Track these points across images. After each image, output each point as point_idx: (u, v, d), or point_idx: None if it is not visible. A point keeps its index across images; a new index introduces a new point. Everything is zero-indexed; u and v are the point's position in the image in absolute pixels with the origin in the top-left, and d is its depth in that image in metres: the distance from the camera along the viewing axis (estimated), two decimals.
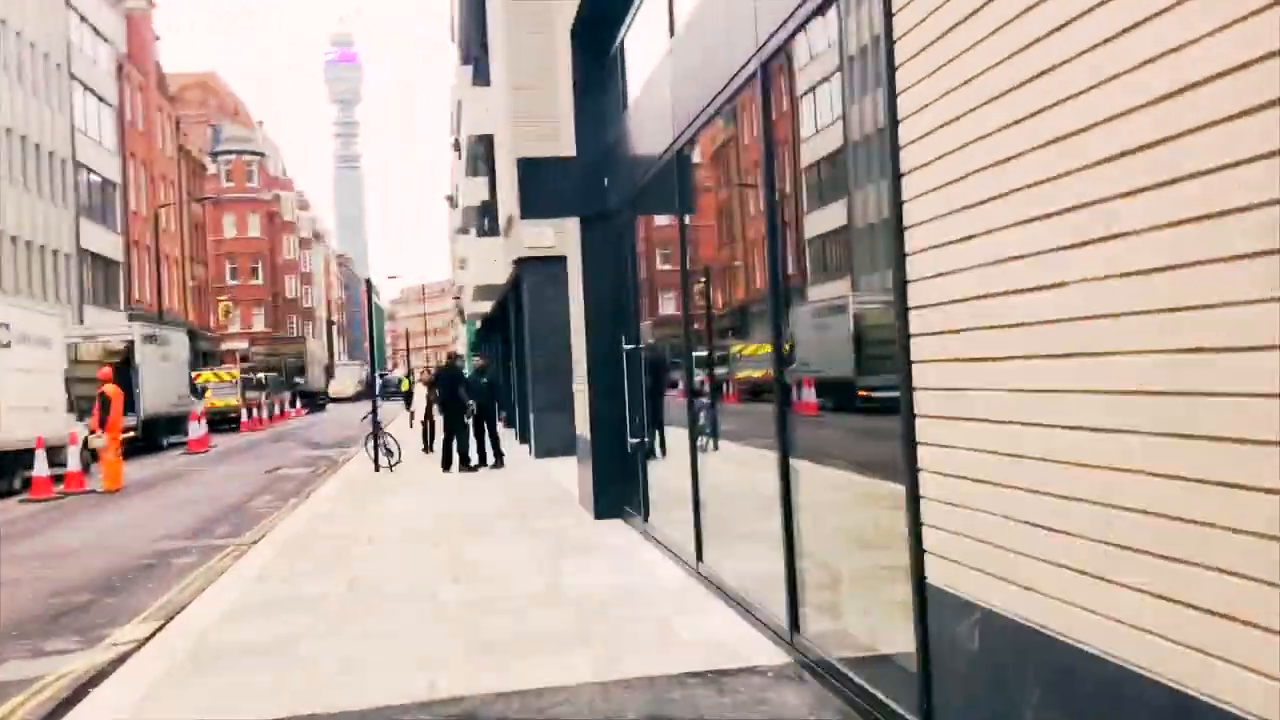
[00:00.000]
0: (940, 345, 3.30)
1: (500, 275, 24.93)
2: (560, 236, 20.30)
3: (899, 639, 4.88)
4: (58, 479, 18.26)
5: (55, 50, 39.01)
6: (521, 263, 20.14)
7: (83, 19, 42.20)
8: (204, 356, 58.85)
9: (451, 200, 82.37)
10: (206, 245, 65.20)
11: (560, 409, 19.42)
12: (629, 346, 10.39)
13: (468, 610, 7.06)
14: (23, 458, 18.28)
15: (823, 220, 5.46)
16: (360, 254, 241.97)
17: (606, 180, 11.07)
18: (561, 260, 20.76)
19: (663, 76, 8.24)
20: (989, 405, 3.03)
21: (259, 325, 76.30)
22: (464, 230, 45.41)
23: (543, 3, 16.28)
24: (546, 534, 10.36)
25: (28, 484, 17.96)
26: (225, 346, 66.46)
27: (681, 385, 8.68)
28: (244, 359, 55.17)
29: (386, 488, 15.88)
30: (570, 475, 13.83)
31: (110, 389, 18.38)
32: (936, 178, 3.29)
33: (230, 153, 77.54)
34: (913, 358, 3.49)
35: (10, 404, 18.42)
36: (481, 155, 27.34)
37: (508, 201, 21.16)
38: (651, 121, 8.78)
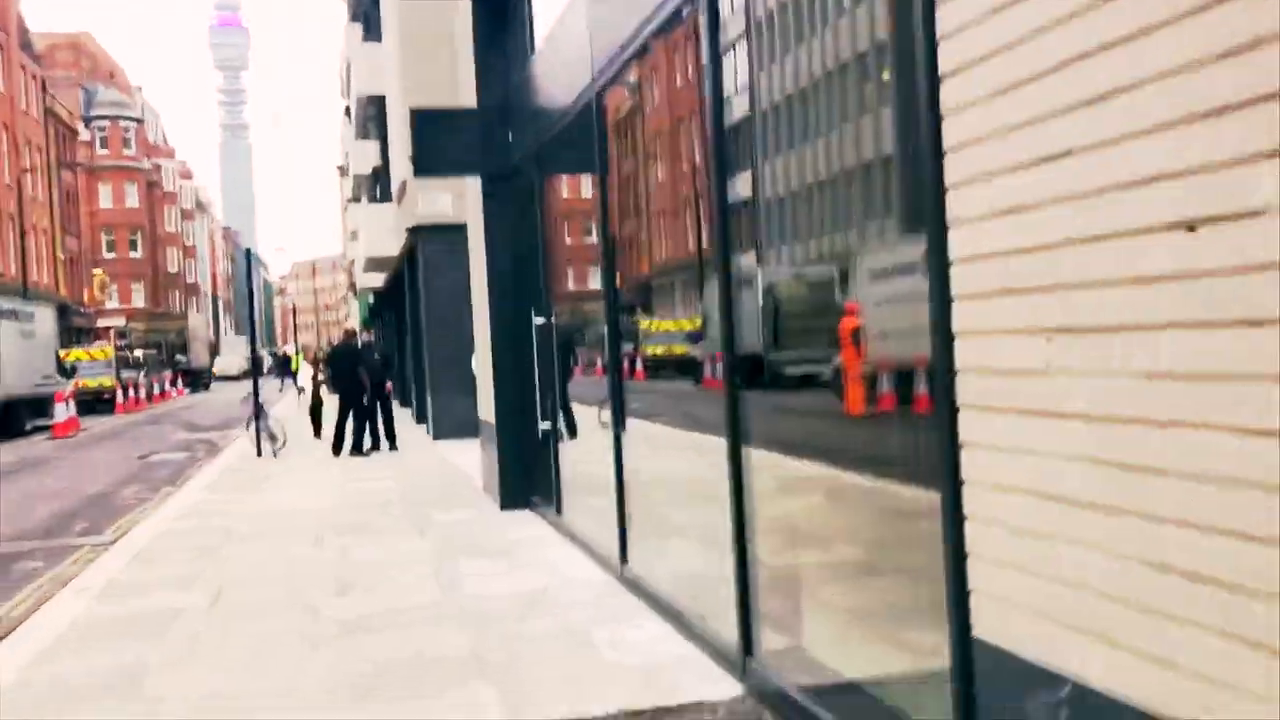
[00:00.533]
0: (1002, 312, 2.38)
1: (393, 246, 23.54)
2: (460, 204, 19.06)
3: (888, 661, 4.03)
4: None
5: None
6: (417, 232, 18.86)
7: None
8: (77, 334, 55.55)
9: (342, 169, 79.52)
10: (80, 216, 61.52)
11: (460, 389, 18.25)
12: (539, 320, 9.36)
13: (351, 632, 5.98)
14: None
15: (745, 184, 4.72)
16: (248, 227, 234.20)
17: (511, 134, 9.99)
18: (461, 230, 19.48)
19: (579, 8, 7.20)
20: (1082, 390, 2.13)
21: (139, 301, 72.50)
22: (355, 199, 43.47)
23: None
24: (446, 528, 9.30)
25: None
26: (103, 324, 62.97)
27: (599, 362, 7.73)
28: (120, 335, 52.18)
29: (268, 476, 14.55)
30: (473, 461, 12.75)
31: None
32: (986, 80, 2.38)
33: (105, 118, 73.17)
34: (955, 328, 2.56)
35: None
36: (373, 117, 25.79)
37: (401, 165, 19.81)
38: (565, 64, 7.74)
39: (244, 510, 11.21)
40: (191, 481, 15.03)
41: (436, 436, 17.93)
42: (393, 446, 16.87)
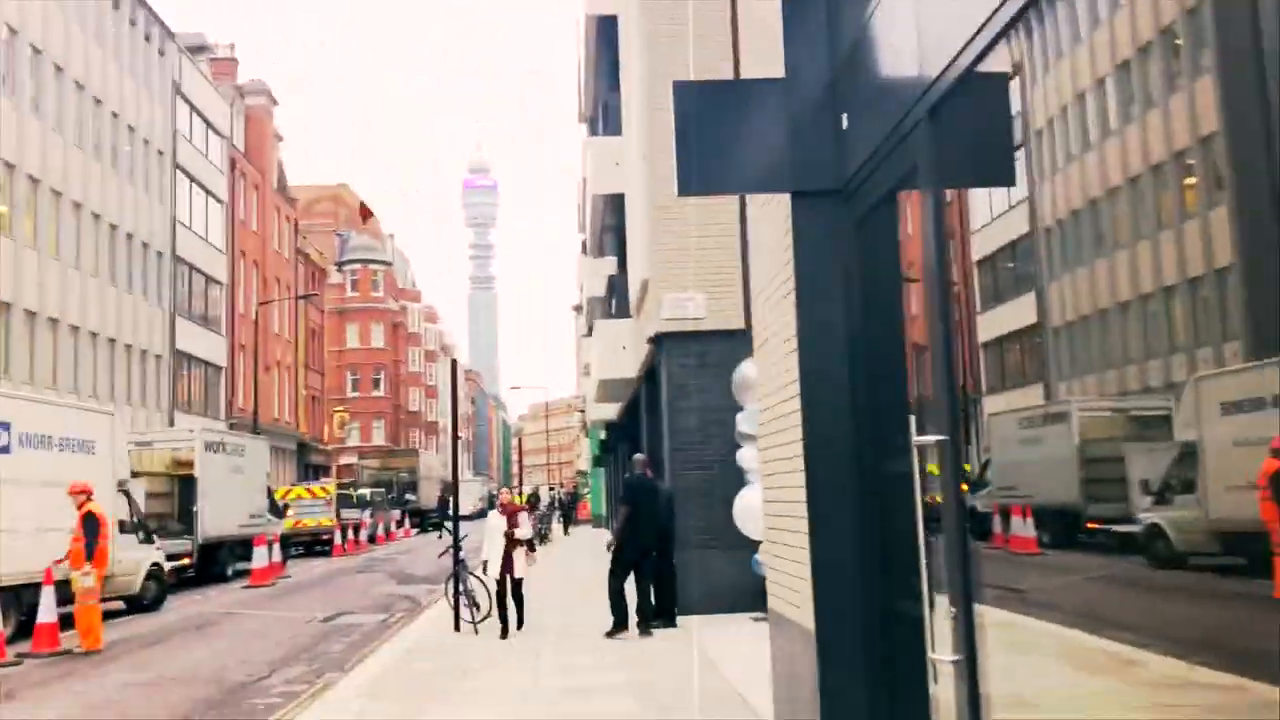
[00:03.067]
0: None
1: (628, 366, 19.67)
2: (718, 302, 14.99)
3: None
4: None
5: (158, 137, 36.37)
6: (659, 344, 14.82)
7: (194, 110, 39.81)
8: (315, 470, 55.20)
9: (577, 308, 78.77)
10: (324, 354, 62.39)
11: (718, 543, 13.78)
12: (925, 440, 4.73)
13: None
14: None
15: None
16: (491, 373, 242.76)
17: (846, 120, 5.61)
18: (713, 338, 15.38)
19: None
20: None
21: (379, 439, 72.91)
22: (588, 333, 40.74)
23: None
24: None
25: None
26: (343, 461, 63.04)
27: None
28: (340, 473, 51.16)
29: (460, 670, 10.38)
30: (747, 660, 8.06)
31: (95, 507, 13.43)
32: None
33: (356, 261, 75.57)
34: None
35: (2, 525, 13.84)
36: (609, 227, 22.48)
37: (639, 266, 16.03)
38: None
39: None
40: (364, 666, 11.10)
41: (683, 609, 13.39)
42: (671, 621, 12.71)
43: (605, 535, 39.83)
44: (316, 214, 76.62)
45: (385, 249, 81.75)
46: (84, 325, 30.41)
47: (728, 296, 14.39)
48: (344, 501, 35.69)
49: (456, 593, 13.20)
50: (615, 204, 21.04)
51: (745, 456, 13.46)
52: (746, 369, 13.96)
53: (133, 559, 17.04)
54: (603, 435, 37.69)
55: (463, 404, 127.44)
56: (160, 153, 36.35)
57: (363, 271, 75.49)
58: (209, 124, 41.40)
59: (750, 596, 13.53)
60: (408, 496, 51.31)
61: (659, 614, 12.69)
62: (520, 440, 42.16)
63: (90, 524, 13.05)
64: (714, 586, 13.62)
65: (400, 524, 44.94)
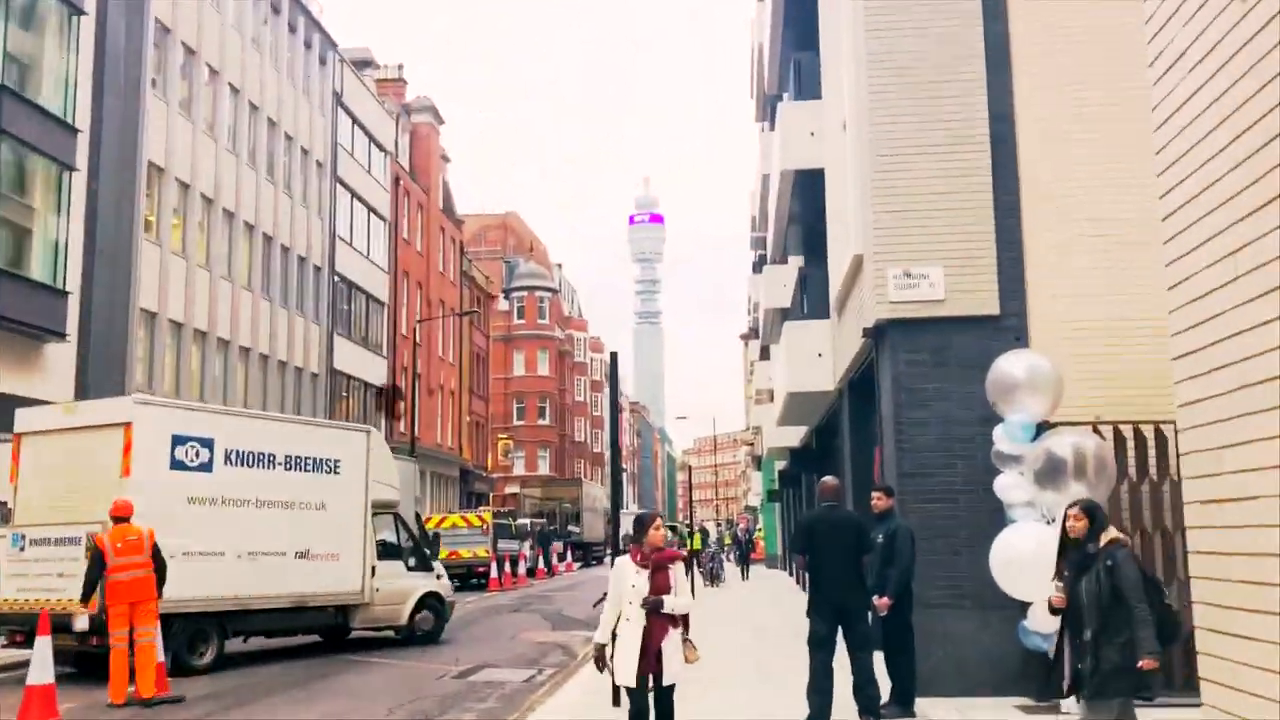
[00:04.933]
0: None
1: (823, 378, 16.25)
2: (961, 280, 11.47)
3: None
4: None
5: (318, 147, 35.16)
6: (879, 335, 11.38)
7: (356, 122, 38.66)
8: (477, 499, 53.52)
9: (745, 336, 75.31)
10: (489, 381, 61.00)
11: (967, 602, 10.27)
12: None
13: None
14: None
15: None
16: (658, 408, 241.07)
17: None
18: (955, 327, 11.86)
19: None
20: None
21: (543, 469, 71.17)
22: (763, 355, 37.36)
23: None
24: None
25: None
26: (506, 491, 61.38)
27: None
28: (502, 502, 49.11)
29: None
30: None
31: (105, 536, 10.95)
32: None
33: (523, 289, 74.48)
34: None
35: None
36: (796, 215, 19.14)
37: (850, 244, 12.66)
38: None
39: None
40: None
41: (921, 691, 9.80)
42: (908, 709, 9.18)
43: (785, 578, 36.05)
44: (487, 241, 76.17)
45: (552, 277, 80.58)
46: (234, 339, 29.03)
47: (975, 272, 10.87)
48: (502, 531, 33.21)
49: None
50: (806, 187, 17.71)
51: (1006, 485, 9.80)
52: (1009, 365, 10.36)
53: (398, 588, 16.16)
54: (781, 466, 34.09)
55: (627, 435, 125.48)
56: (320, 164, 35.14)
57: (529, 299, 74.34)
58: (371, 137, 40.25)
59: (1013, 677, 9.89)
60: (571, 528, 48.77)
61: (892, 699, 9.21)
62: (690, 471, 39.10)
63: (97, 558, 10.74)
64: (961, 660, 10.05)
65: (562, 557, 42.36)
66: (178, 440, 13.07)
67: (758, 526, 51.16)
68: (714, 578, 30.93)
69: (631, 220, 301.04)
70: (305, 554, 14.54)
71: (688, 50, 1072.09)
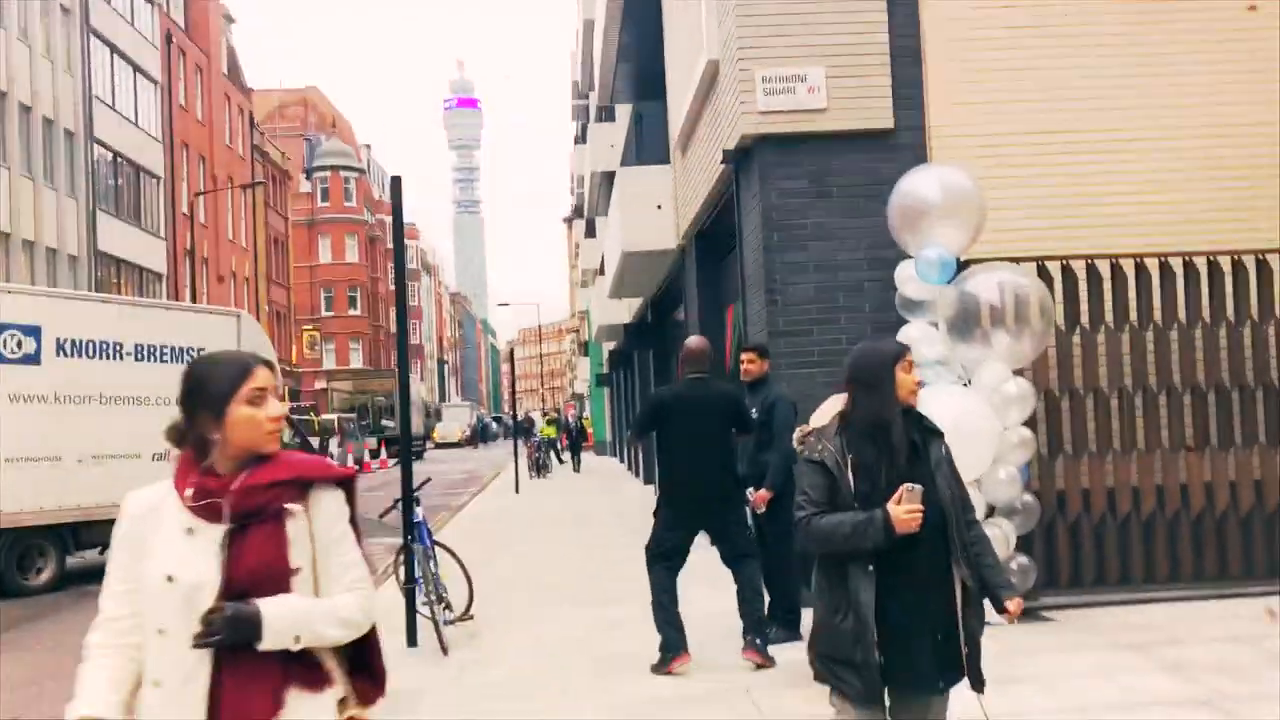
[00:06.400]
0: None
1: (664, 234, 13.92)
2: (845, 85, 9.14)
3: None
4: None
5: None
6: (745, 157, 9.03)
7: None
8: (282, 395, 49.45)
9: (569, 219, 72.19)
10: (290, 269, 56.19)
11: None
12: None
13: None
14: None
15: None
16: (480, 300, 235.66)
17: None
18: (841, 145, 9.42)
19: None
20: None
21: (356, 362, 66.98)
22: (589, 233, 34.84)
23: None
24: None
25: None
26: (317, 387, 57.27)
27: None
28: (314, 398, 45.49)
29: None
30: None
31: None
32: None
33: (326, 168, 68.67)
34: None
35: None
36: (625, 46, 16.45)
37: (702, 51, 10.15)
38: None
39: None
40: None
41: (807, 604, 7.73)
42: (794, 631, 6.99)
43: (618, 466, 34.08)
44: (281, 118, 69.75)
45: (360, 158, 74.91)
46: None
47: (863, 74, 8.56)
48: (297, 429, 29.89)
49: (409, 579, 7.54)
50: (638, 10, 15.02)
51: (912, 339, 7.68)
52: (919, 185, 8.11)
53: None
54: (611, 346, 31.91)
55: (449, 327, 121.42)
56: (65, 9, 29.81)
57: (334, 178, 68.76)
58: None
59: None
60: (385, 422, 45.60)
61: (773, 617, 7.08)
62: (513, 357, 37.09)
63: None
64: None
65: (376, 454, 39.37)
66: None
67: (584, 414, 49.28)
68: (541, 468, 28.80)
69: (446, 106, 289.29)
70: (165, 456, 12.24)
71: None
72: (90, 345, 12.25)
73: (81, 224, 30.25)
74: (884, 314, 8.30)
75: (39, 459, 11.52)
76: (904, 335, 7.64)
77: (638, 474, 25.82)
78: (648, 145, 14.77)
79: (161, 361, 13.04)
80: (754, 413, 7.01)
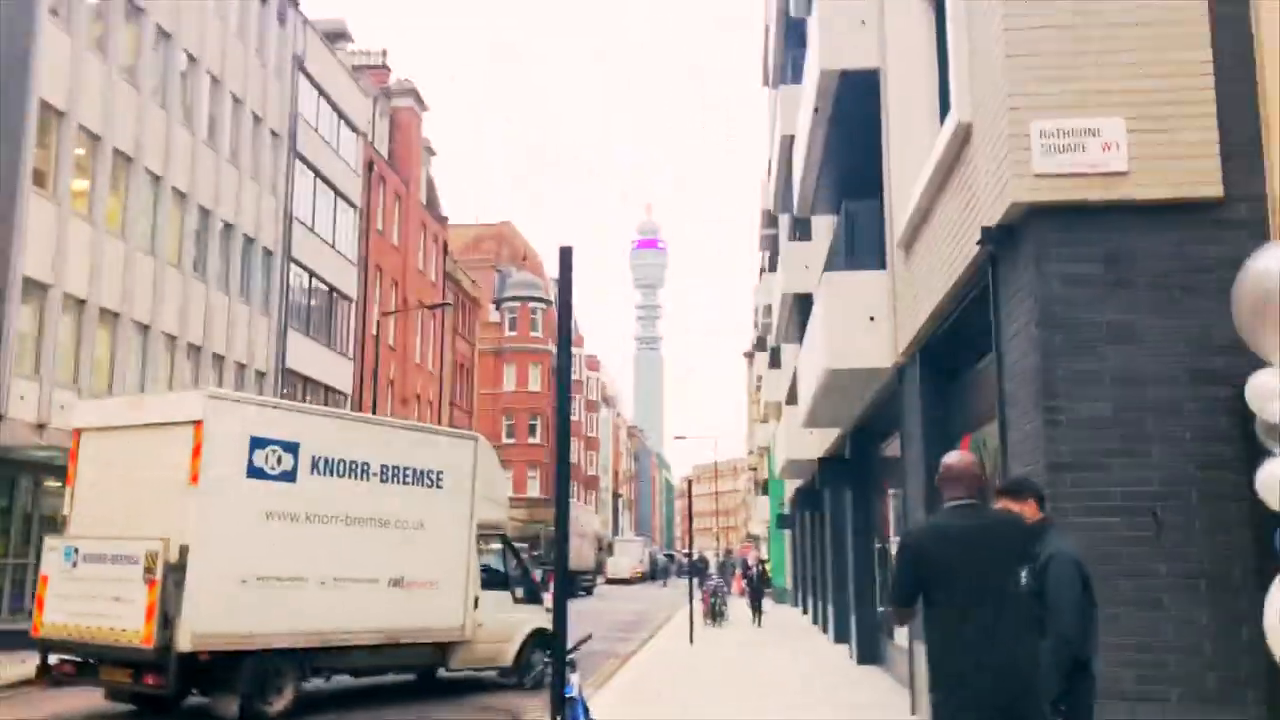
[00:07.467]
0: None
1: (875, 351, 11.90)
2: (1150, 140, 7.09)
3: None
4: None
5: (273, 116, 30.90)
6: (1008, 235, 7.08)
7: (322, 94, 34.43)
8: None
9: (749, 354, 70.69)
10: (474, 395, 56.50)
11: (1174, 690, 5.83)
12: None
13: None
14: None
15: None
16: (657, 434, 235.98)
17: None
18: (1143, 220, 7.27)
19: None
20: None
21: (533, 490, 66.45)
22: (773, 363, 33.05)
23: None
24: None
25: None
26: None
27: None
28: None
29: None
30: None
31: None
32: None
33: (515, 299, 70.00)
34: None
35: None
36: (831, 145, 14.80)
37: (957, 101, 8.34)
38: None
39: None
40: None
41: None
42: None
43: (801, 618, 31.09)
44: (476, 250, 71.91)
45: (548, 290, 76.19)
46: (155, 324, 24.64)
47: (1181, 128, 6.53)
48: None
49: None
50: (849, 101, 13.38)
51: None
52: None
53: (504, 623, 14.13)
54: (797, 484, 29.51)
55: (624, 460, 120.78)
56: (274, 134, 30.85)
57: (522, 309, 69.92)
58: (341, 114, 35.97)
59: None
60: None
61: None
62: (690, 490, 34.94)
63: None
64: None
65: (545, 586, 37.73)
66: (256, 443, 11.20)
67: (764, 558, 46.44)
68: (717, 615, 26.44)
69: (636, 245, 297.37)
70: (399, 581, 12.65)
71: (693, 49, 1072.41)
72: (341, 464, 12.05)
73: (272, 341, 30.59)
74: (1211, 445, 6.07)
75: (285, 579, 11.27)
76: (1264, 477, 5.37)
77: (825, 629, 23.15)
78: (860, 248, 12.92)
79: (404, 483, 12.83)
80: (1023, 576, 4.78)
